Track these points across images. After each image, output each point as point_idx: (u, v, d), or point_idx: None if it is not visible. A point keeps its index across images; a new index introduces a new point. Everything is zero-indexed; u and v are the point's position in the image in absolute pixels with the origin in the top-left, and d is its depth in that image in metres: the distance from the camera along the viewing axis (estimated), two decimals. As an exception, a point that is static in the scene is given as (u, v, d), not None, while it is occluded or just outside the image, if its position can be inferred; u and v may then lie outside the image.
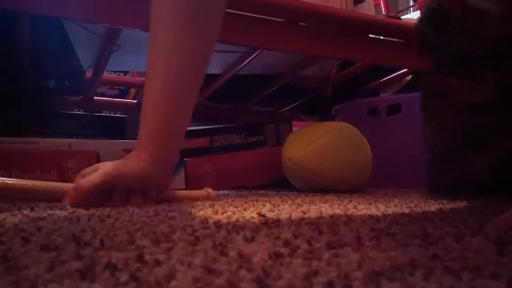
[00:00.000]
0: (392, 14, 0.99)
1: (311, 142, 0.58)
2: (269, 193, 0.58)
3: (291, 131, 0.77)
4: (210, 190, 0.46)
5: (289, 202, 0.43)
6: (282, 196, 0.51)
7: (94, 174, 0.37)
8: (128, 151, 0.59)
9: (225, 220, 0.29)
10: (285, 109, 0.96)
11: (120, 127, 0.78)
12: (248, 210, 0.36)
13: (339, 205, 0.41)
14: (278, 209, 0.37)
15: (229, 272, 0.16)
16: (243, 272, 0.16)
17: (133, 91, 0.96)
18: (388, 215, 0.33)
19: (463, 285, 0.15)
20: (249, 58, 0.61)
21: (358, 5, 0.61)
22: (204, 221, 0.29)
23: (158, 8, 0.40)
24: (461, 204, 0.42)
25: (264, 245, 0.21)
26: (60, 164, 0.46)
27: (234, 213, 0.34)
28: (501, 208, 0.38)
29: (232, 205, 0.41)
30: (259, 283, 0.14)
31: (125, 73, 0.92)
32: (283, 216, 0.32)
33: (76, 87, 0.77)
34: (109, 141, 0.59)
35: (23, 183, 0.37)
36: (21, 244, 0.21)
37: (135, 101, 0.85)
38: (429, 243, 0.22)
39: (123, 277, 0.15)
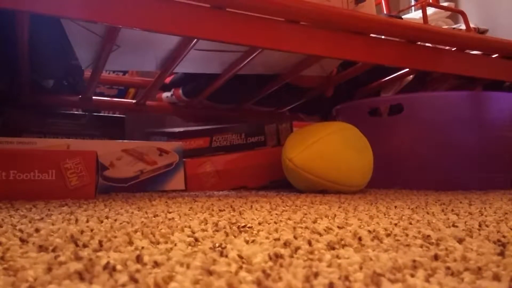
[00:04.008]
0: (393, 14, 0.99)
1: (312, 143, 0.58)
2: (269, 193, 0.58)
3: (292, 131, 0.77)
4: None
5: (289, 203, 0.43)
6: (282, 197, 0.51)
7: None
8: (127, 151, 0.59)
9: (225, 221, 0.29)
10: (286, 109, 0.96)
11: (119, 127, 0.78)
12: (248, 211, 0.36)
13: (340, 206, 0.41)
14: (278, 210, 0.37)
15: (229, 273, 0.15)
16: (243, 274, 0.15)
17: (132, 91, 0.96)
18: (389, 216, 0.33)
19: (464, 286, 0.15)
20: (249, 58, 0.61)
21: (359, 4, 0.61)
22: (203, 222, 0.29)
23: None
24: (462, 204, 0.42)
25: (264, 246, 0.21)
26: (59, 164, 0.46)
27: (233, 214, 0.34)
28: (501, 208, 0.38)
29: (231, 206, 0.40)
30: (259, 285, 0.14)
31: (124, 72, 0.92)
32: (283, 217, 0.32)
33: (74, 87, 0.76)
34: (108, 141, 0.59)
35: None
36: (19, 245, 0.21)
37: (134, 101, 0.84)
38: (431, 244, 0.22)
39: (122, 278, 0.15)
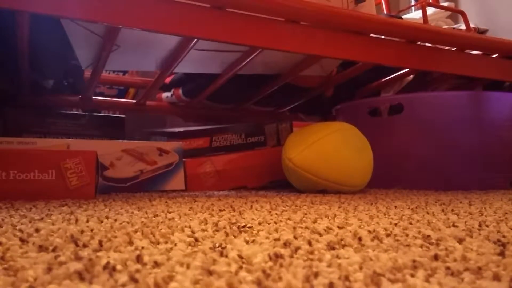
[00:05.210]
0: (393, 14, 0.99)
1: (312, 143, 0.58)
2: (269, 193, 0.58)
3: (292, 131, 0.77)
4: None
5: (289, 203, 0.43)
6: (282, 197, 0.51)
7: None
8: (127, 151, 0.59)
9: (224, 221, 0.29)
10: (286, 109, 0.96)
11: (119, 127, 0.78)
12: (248, 211, 0.36)
13: (340, 206, 0.41)
14: (278, 210, 0.37)
15: (229, 273, 0.15)
16: (243, 274, 0.15)
17: (132, 91, 0.96)
18: (389, 216, 0.33)
19: (464, 286, 0.15)
20: (249, 57, 0.61)
21: (359, 4, 0.61)
22: (203, 222, 0.29)
23: None
24: (462, 204, 0.42)
25: (264, 246, 0.21)
26: (59, 164, 0.46)
27: (233, 214, 0.34)
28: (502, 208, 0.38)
29: (231, 206, 0.40)
30: (259, 285, 0.14)
31: (124, 72, 0.92)
32: (283, 217, 0.32)
33: (74, 87, 0.76)
34: (108, 141, 0.59)
35: None
36: (19, 245, 0.21)
37: (134, 101, 0.84)
38: (431, 244, 0.22)
39: (122, 278, 0.15)
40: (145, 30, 0.47)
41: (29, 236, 0.23)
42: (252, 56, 0.60)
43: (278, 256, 0.18)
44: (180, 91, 0.82)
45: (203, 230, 0.25)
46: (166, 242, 0.22)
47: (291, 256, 0.19)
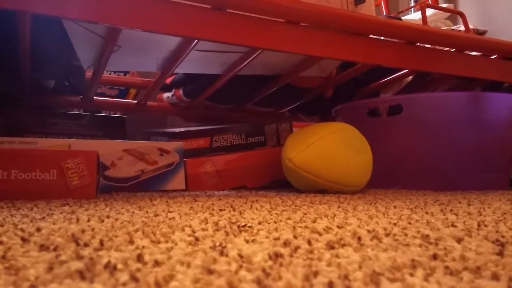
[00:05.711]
0: (392, 15, 0.99)
1: (312, 143, 0.58)
2: (269, 193, 0.58)
3: (291, 131, 0.77)
4: None
5: (289, 203, 0.43)
6: (282, 197, 0.51)
7: None
8: (128, 151, 0.59)
9: (225, 220, 0.29)
10: (285, 109, 0.96)
11: (120, 127, 0.78)
12: (248, 210, 0.36)
13: (339, 206, 0.41)
14: (278, 210, 0.37)
15: (229, 272, 0.16)
16: (243, 273, 0.16)
17: (133, 91, 0.96)
18: (389, 215, 0.33)
19: (463, 285, 0.15)
20: (249, 58, 0.61)
21: (359, 6, 0.61)
22: (204, 221, 0.29)
23: None
24: (461, 204, 0.42)
25: (264, 245, 0.21)
26: (60, 164, 0.46)
27: (234, 214, 0.34)
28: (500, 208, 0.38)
29: (231, 205, 0.41)
30: (259, 284, 0.14)
31: (125, 73, 0.92)
32: (283, 216, 0.32)
33: (76, 87, 0.77)
34: (109, 141, 0.59)
35: None
36: (21, 244, 0.21)
37: (135, 101, 0.85)
38: (430, 244, 0.22)
39: (123, 277, 0.15)
40: (146, 31, 0.47)
41: (30, 236, 0.23)
42: (252, 57, 0.60)
43: (278, 255, 0.19)
44: (181, 92, 0.82)
45: (203, 230, 0.25)
46: (166, 241, 0.22)
47: (291, 255, 0.19)
